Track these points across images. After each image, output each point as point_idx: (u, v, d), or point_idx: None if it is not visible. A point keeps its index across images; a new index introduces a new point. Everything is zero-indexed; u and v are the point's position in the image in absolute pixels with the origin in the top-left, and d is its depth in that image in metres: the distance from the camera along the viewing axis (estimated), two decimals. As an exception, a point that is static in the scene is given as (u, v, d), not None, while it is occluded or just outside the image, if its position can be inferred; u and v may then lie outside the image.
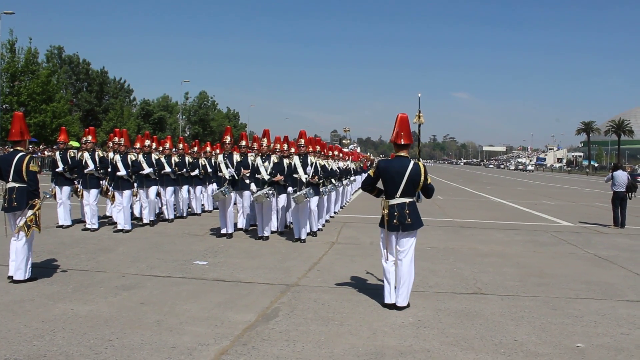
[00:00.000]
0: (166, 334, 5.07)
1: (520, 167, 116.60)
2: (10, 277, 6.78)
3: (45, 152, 35.02)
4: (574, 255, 10.05)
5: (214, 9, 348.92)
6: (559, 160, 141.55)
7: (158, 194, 12.74)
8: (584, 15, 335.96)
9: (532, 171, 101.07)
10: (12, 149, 7.18)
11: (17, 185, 6.86)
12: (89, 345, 4.71)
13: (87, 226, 11.38)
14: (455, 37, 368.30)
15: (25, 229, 6.74)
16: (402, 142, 6.14)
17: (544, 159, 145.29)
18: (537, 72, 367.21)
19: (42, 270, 7.41)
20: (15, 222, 6.86)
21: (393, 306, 6.06)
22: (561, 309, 6.29)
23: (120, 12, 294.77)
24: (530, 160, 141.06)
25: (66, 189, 11.71)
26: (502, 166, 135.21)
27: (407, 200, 6.11)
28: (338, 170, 14.37)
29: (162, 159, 12.79)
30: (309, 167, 10.64)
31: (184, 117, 74.67)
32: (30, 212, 6.81)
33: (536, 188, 37.06)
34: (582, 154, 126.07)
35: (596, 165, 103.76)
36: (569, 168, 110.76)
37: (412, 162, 6.10)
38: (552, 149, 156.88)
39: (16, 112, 7.62)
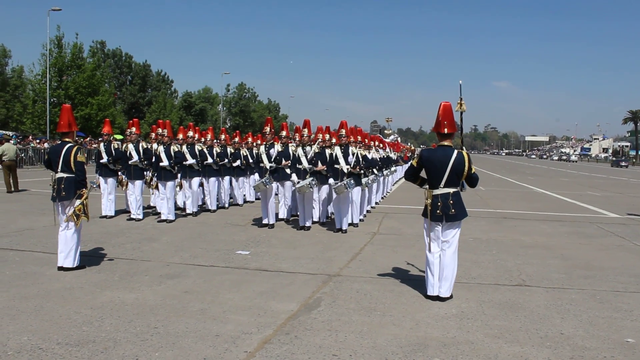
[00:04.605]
0: (210, 322, 5.14)
1: (564, 157, 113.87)
2: (60, 267, 6.97)
3: (93, 145, 35.84)
4: (621, 247, 9.79)
5: None
6: (605, 150, 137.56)
7: (201, 185, 12.91)
8: (630, 2, 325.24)
9: (576, 161, 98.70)
10: (60, 141, 7.36)
11: (65, 175, 7.02)
12: (136, 332, 4.81)
13: (132, 216, 11.62)
14: (495, 25, 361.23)
15: (75, 218, 6.91)
16: (446, 131, 6.03)
17: (589, 149, 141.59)
18: (581, 61, 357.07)
19: (89, 258, 7.60)
20: (63, 211, 7.04)
21: (436, 298, 6.01)
22: (609, 303, 6.13)
23: (161, 4, 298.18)
24: (574, 151, 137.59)
25: (110, 180, 11.94)
26: (544, 156, 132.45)
27: (451, 190, 6.03)
28: (379, 161, 14.32)
29: (205, 150, 12.94)
30: (350, 157, 10.62)
31: (224, 108, 75.43)
32: (78, 202, 6.96)
33: (581, 179, 36.24)
34: (629, 144, 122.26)
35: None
36: (614, 158, 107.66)
37: (455, 152, 5.99)
38: (598, 139, 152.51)
39: (64, 104, 7.80)
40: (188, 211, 12.42)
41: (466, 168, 6.01)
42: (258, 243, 9.30)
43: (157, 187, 11.79)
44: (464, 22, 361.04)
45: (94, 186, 7.84)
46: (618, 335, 5.06)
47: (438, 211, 5.99)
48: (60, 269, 6.95)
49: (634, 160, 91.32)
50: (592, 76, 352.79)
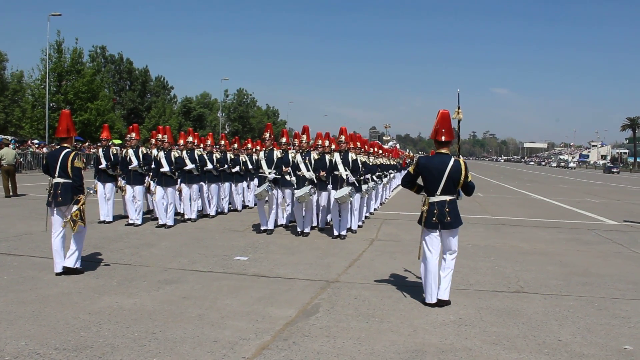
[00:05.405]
0: (208, 328, 5.13)
1: (562, 164, 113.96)
2: (59, 274, 6.97)
3: (91, 150, 35.85)
4: (619, 254, 9.80)
5: (252, 4, 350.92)
6: (603, 157, 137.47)
7: (200, 190, 12.90)
8: (628, 10, 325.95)
9: (574, 168, 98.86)
10: (58, 146, 7.37)
11: (62, 180, 7.03)
12: (134, 338, 4.80)
13: (131, 221, 11.61)
14: (494, 32, 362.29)
15: (71, 223, 6.90)
16: (443, 139, 6.06)
17: (587, 155, 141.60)
18: (580, 67, 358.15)
19: (87, 263, 7.59)
20: (60, 216, 7.03)
21: (434, 304, 6.01)
22: (607, 310, 6.14)
23: (161, 10, 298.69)
24: (573, 157, 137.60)
25: (108, 185, 11.92)
26: (543, 163, 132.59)
27: (448, 197, 6.04)
28: (378, 168, 14.34)
29: (205, 156, 12.95)
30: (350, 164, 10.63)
31: (223, 114, 75.50)
32: (75, 207, 6.96)
33: (579, 185, 36.27)
34: (627, 151, 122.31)
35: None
36: (611, 164, 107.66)
37: (452, 159, 6.02)
38: (596, 146, 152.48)
39: (63, 110, 7.81)
40: (187, 217, 12.41)
41: (462, 176, 6.03)
42: (256, 249, 9.29)
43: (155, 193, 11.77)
44: (463, 28, 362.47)
45: (92, 192, 7.83)
46: (616, 342, 5.06)
47: (434, 219, 6.01)
48: (58, 275, 6.95)
49: (631, 167, 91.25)
50: (590, 83, 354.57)
